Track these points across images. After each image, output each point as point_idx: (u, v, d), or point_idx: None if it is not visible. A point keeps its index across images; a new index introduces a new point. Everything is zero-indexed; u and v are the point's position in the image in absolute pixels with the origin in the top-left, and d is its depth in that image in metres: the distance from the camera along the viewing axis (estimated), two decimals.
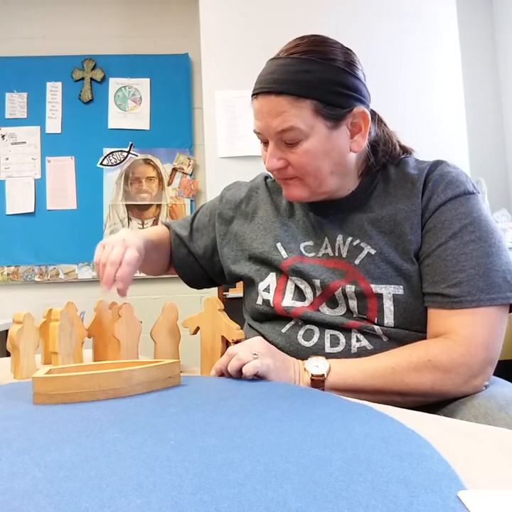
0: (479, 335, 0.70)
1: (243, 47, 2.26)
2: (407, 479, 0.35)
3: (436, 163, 0.82)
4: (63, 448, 0.41)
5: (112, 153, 2.64)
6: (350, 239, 0.82)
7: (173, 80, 2.70)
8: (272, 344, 0.82)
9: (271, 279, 0.86)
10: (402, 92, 2.26)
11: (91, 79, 2.64)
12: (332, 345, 0.78)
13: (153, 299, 2.51)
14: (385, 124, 0.88)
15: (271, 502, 0.31)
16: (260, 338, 0.73)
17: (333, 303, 0.81)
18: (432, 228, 0.77)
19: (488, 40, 2.76)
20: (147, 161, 2.66)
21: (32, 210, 2.58)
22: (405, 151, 0.88)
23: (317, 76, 0.75)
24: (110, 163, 2.64)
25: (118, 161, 2.64)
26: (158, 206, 2.66)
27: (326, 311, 0.80)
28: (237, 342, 0.76)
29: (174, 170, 2.67)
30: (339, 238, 0.83)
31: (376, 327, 0.76)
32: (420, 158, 0.89)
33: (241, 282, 0.98)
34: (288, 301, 0.83)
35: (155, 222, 2.64)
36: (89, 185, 2.62)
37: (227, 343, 0.78)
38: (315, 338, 0.79)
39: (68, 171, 2.62)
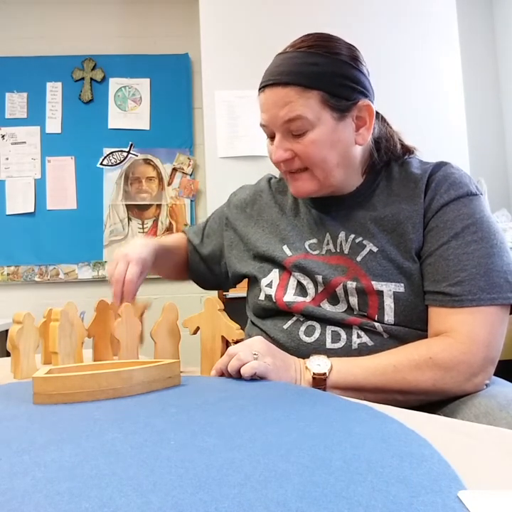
0: (480, 333, 0.70)
1: (243, 47, 2.26)
2: (407, 479, 0.35)
3: (440, 164, 0.83)
4: (63, 448, 0.41)
5: (111, 153, 2.64)
6: (352, 236, 0.82)
7: (173, 80, 2.70)
8: (274, 340, 0.83)
9: (274, 275, 0.87)
10: (402, 92, 2.26)
11: (91, 79, 2.64)
12: (333, 341, 0.78)
13: (153, 299, 2.51)
14: (387, 123, 0.89)
15: (271, 502, 0.31)
16: (260, 337, 0.73)
17: (334, 299, 0.81)
18: (434, 228, 0.77)
19: (488, 41, 2.76)
20: (147, 161, 2.66)
21: (32, 210, 2.58)
22: (408, 150, 0.88)
23: (324, 68, 0.76)
24: (110, 163, 2.64)
25: (118, 161, 2.64)
26: (158, 206, 2.66)
27: (327, 307, 0.81)
28: (237, 342, 0.76)
29: (174, 170, 2.67)
30: (341, 235, 0.83)
31: (376, 324, 0.77)
32: (420, 158, 0.89)
33: (241, 282, 0.99)
34: (290, 296, 0.83)
35: (155, 222, 2.64)
36: (89, 185, 2.62)
37: (227, 343, 0.78)
38: (316, 334, 0.80)
39: (68, 171, 2.62)
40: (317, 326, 0.80)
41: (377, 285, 0.77)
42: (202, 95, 2.32)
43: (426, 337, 0.76)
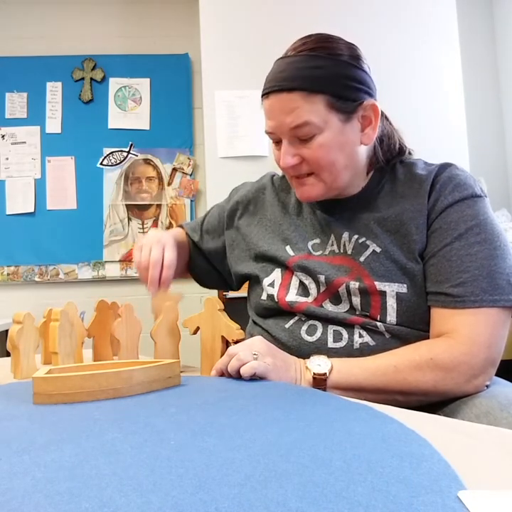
0: (481, 334, 0.70)
1: (243, 47, 2.26)
2: (407, 479, 0.35)
3: (445, 166, 0.82)
4: (63, 448, 0.41)
5: (111, 153, 2.64)
6: (356, 237, 0.82)
7: (173, 80, 2.70)
8: (275, 339, 0.83)
9: (276, 274, 0.87)
10: (402, 92, 2.26)
11: (91, 79, 2.64)
12: (335, 341, 0.78)
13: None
14: (389, 121, 0.89)
15: (271, 502, 0.31)
16: (260, 337, 0.73)
17: (336, 299, 0.81)
18: (437, 229, 0.77)
19: (488, 41, 2.76)
20: (147, 161, 2.66)
21: (32, 210, 2.58)
22: (402, 151, 0.88)
23: (327, 71, 0.76)
24: (110, 163, 2.64)
25: (118, 161, 2.64)
26: (158, 206, 2.66)
27: (329, 307, 0.81)
28: (237, 342, 0.76)
29: (174, 170, 2.67)
30: (345, 235, 0.83)
31: (379, 324, 0.77)
32: (420, 158, 0.89)
33: (245, 284, 0.99)
34: (292, 296, 0.83)
35: (155, 222, 2.64)
36: (89, 185, 2.62)
37: (227, 343, 0.78)
38: (318, 333, 0.80)
39: (68, 171, 2.62)
40: (319, 325, 0.80)
41: (380, 285, 0.77)
42: (202, 95, 2.32)
43: (428, 337, 0.76)
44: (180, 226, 1.10)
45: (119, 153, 2.64)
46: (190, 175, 2.68)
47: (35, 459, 0.39)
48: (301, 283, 0.84)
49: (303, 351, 0.78)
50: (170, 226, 2.64)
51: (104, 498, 0.32)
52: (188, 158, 2.68)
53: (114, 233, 2.61)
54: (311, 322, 0.81)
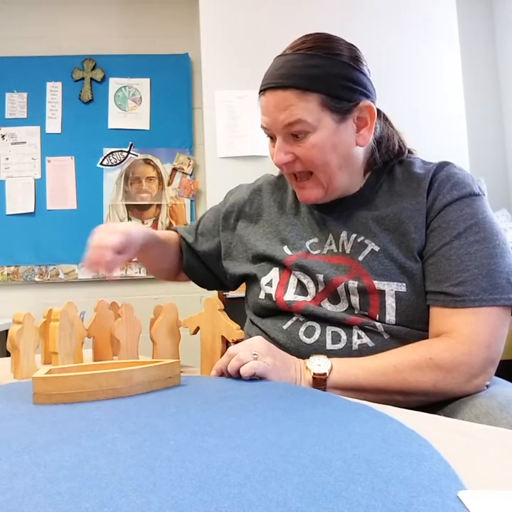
0: (481, 334, 0.70)
1: (243, 47, 2.26)
2: (407, 479, 0.35)
3: (443, 164, 0.82)
4: (63, 448, 0.41)
5: (112, 153, 2.64)
6: (354, 236, 0.82)
7: (173, 80, 2.70)
8: (273, 340, 0.83)
9: (274, 273, 0.87)
10: (402, 93, 2.26)
11: (91, 79, 2.64)
12: (333, 342, 0.78)
13: (153, 299, 2.51)
14: (389, 122, 0.89)
15: (271, 502, 0.31)
16: (260, 337, 0.73)
17: (335, 298, 0.81)
18: (436, 228, 0.77)
19: (488, 41, 2.76)
20: (147, 161, 2.66)
21: (32, 210, 2.58)
22: (400, 152, 0.88)
23: (323, 70, 0.76)
24: (110, 163, 2.64)
25: (118, 161, 2.64)
26: (158, 206, 2.66)
27: (327, 307, 0.81)
28: (237, 342, 0.76)
29: (174, 170, 2.67)
30: (343, 235, 0.83)
31: (377, 324, 0.77)
32: (420, 157, 0.89)
33: (242, 284, 0.99)
34: (290, 295, 0.83)
35: (155, 222, 2.64)
36: (89, 185, 2.62)
37: (227, 343, 0.78)
38: (316, 335, 0.79)
39: (68, 171, 2.61)
40: (317, 326, 0.80)
41: (379, 284, 0.77)
42: (202, 95, 2.32)
43: (427, 337, 0.76)
44: (175, 230, 1.10)
45: (119, 153, 2.64)
46: (190, 175, 2.68)
47: (35, 459, 0.39)
48: (300, 282, 0.84)
49: (301, 353, 0.78)
50: (170, 226, 2.63)
51: (104, 498, 0.32)
52: (188, 158, 2.68)
53: None
54: (309, 323, 0.81)
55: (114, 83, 2.67)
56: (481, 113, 2.69)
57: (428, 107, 2.30)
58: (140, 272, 2.58)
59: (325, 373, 0.69)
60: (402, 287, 0.77)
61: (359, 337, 0.77)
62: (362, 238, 0.81)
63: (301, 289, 0.84)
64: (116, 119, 2.66)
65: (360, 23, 2.28)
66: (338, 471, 0.36)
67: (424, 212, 0.79)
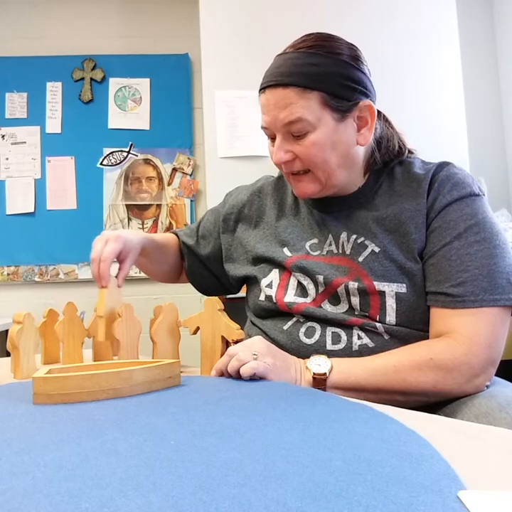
0: (482, 335, 0.70)
1: (243, 47, 2.26)
2: (407, 479, 0.35)
3: (443, 165, 0.82)
4: (63, 448, 0.41)
5: (112, 153, 2.64)
6: (354, 236, 0.82)
7: (173, 80, 2.69)
8: (274, 341, 0.83)
9: (274, 275, 0.87)
10: (402, 92, 2.26)
11: (91, 79, 2.64)
12: (333, 343, 0.78)
13: (153, 299, 2.51)
14: (390, 123, 0.89)
15: (271, 502, 0.31)
16: (260, 337, 0.73)
17: (335, 299, 0.81)
18: (436, 228, 0.77)
19: (488, 41, 2.76)
20: (147, 161, 2.66)
21: (32, 210, 2.58)
22: (400, 153, 0.88)
23: (324, 69, 0.76)
24: (110, 163, 2.64)
25: (118, 161, 2.64)
26: (158, 206, 2.66)
27: (327, 308, 0.81)
28: (237, 342, 0.76)
29: (174, 170, 2.67)
30: (343, 235, 0.83)
31: (378, 324, 0.77)
32: (420, 157, 0.89)
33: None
34: (290, 296, 0.83)
35: (155, 222, 2.64)
36: (89, 185, 2.62)
37: (227, 343, 0.78)
38: (316, 336, 0.79)
39: (68, 171, 2.61)
40: (317, 327, 0.80)
41: (379, 285, 0.77)
42: (202, 95, 2.32)
43: (427, 337, 0.76)
44: (174, 233, 1.09)
45: (119, 153, 2.64)
46: (190, 175, 2.68)
47: (35, 459, 0.39)
48: (300, 283, 0.84)
49: (301, 354, 0.78)
50: (170, 226, 2.64)
51: (104, 498, 0.32)
52: (188, 158, 2.68)
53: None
54: (309, 324, 0.81)
55: (114, 83, 2.67)
56: (481, 113, 2.69)
57: (428, 107, 2.30)
58: (140, 272, 2.58)
59: (325, 373, 0.69)
60: (402, 288, 0.77)
61: (359, 338, 0.77)
62: (362, 239, 0.81)
63: (301, 290, 0.83)
64: (116, 119, 2.66)
65: (360, 23, 2.28)
66: (338, 471, 0.36)
67: (425, 212, 0.78)
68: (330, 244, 0.84)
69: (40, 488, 0.33)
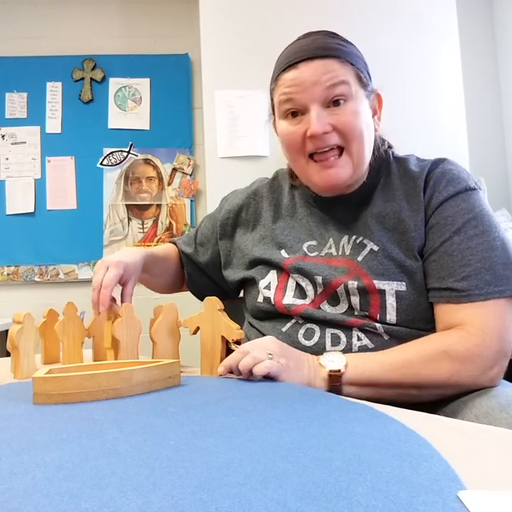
0: (492, 326, 0.70)
1: (243, 47, 2.26)
2: (407, 479, 0.35)
3: (438, 161, 0.83)
4: (63, 448, 0.41)
5: (112, 153, 2.64)
6: (354, 237, 0.82)
7: (173, 80, 2.69)
8: None
9: (272, 276, 0.86)
10: (402, 92, 2.26)
11: (91, 79, 2.64)
12: (333, 345, 0.78)
13: (153, 299, 2.51)
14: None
15: (271, 502, 0.31)
16: (272, 337, 0.72)
17: (334, 300, 0.80)
18: (435, 225, 0.77)
19: (488, 41, 2.76)
20: (147, 161, 2.66)
21: (32, 210, 2.58)
22: (389, 145, 0.89)
23: (352, 50, 0.79)
24: (110, 163, 2.64)
25: (118, 161, 2.64)
26: (158, 206, 2.66)
27: (327, 309, 0.80)
28: (237, 342, 0.76)
29: (174, 170, 2.67)
30: (344, 238, 0.83)
31: (377, 325, 0.76)
32: (421, 157, 0.89)
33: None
34: (289, 298, 0.83)
35: (155, 222, 2.64)
36: (89, 185, 2.62)
37: (227, 343, 0.78)
38: (316, 338, 0.79)
39: (68, 171, 2.61)
40: (316, 328, 0.80)
41: (379, 284, 0.77)
42: (202, 95, 2.32)
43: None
44: (173, 242, 1.09)
45: (119, 153, 2.64)
46: (190, 175, 2.68)
47: (35, 459, 0.39)
48: (298, 285, 0.83)
49: None
50: (170, 226, 2.64)
51: (104, 498, 0.32)
52: (188, 158, 2.68)
53: (114, 233, 2.60)
54: (308, 325, 0.81)
55: (114, 83, 2.67)
56: (481, 113, 2.69)
57: (428, 107, 2.30)
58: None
59: (340, 370, 0.68)
60: (402, 286, 0.76)
61: (359, 339, 0.77)
62: (361, 238, 0.81)
63: (300, 291, 0.83)
64: (116, 119, 2.66)
65: (360, 22, 2.28)
66: (338, 471, 0.36)
67: (423, 210, 0.79)
68: (329, 248, 0.84)
69: (40, 488, 0.33)
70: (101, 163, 2.63)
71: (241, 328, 0.79)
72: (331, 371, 0.68)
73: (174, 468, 0.36)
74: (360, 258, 0.80)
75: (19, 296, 2.57)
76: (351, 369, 0.69)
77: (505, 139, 2.73)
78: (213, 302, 0.79)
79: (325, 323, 0.79)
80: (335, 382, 0.68)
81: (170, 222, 2.65)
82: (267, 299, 0.85)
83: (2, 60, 2.62)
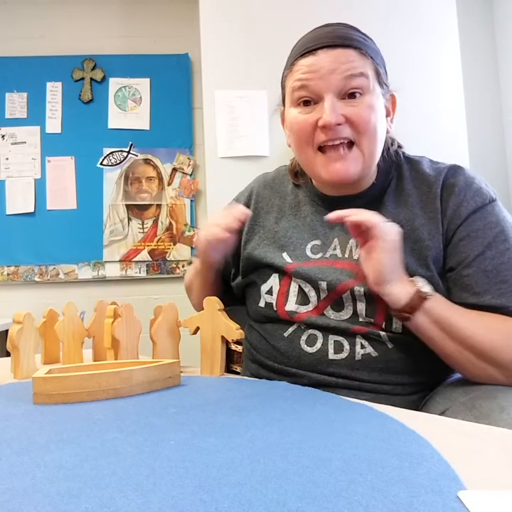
0: None
1: (243, 47, 2.26)
2: (407, 479, 0.35)
3: (455, 168, 0.80)
4: (63, 448, 0.41)
5: (112, 153, 2.64)
6: None
7: (173, 80, 2.69)
8: (274, 348, 0.81)
9: (273, 280, 0.84)
10: (401, 92, 2.26)
11: (91, 79, 2.64)
12: (336, 352, 0.76)
13: (153, 299, 2.51)
14: None
15: (271, 502, 0.31)
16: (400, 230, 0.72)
17: (338, 306, 0.78)
18: (465, 237, 0.75)
19: (488, 41, 2.76)
20: (147, 161, 2.66)
21: (32, 210, 2.58)
22: (399, 146, 0.88)
23: (371, 45, 0.77)
24: (110, 163, 2.64)
25: (118, 161, 2.64)
26: (158, 206, 2.66)
27: (330, 315, 0.78)
28: (237, 342, 0.75)
29: (174, 170, 2.67)
30: (352, 241, 0.80)
31: (382, 333, 0.75)
32: (427, 157, 0.88)
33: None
34: (291, 304, 0.81)
35: (155, 222, 2.64)
36: (89, 185, 2.62)
37: (227, 343, 0.78)
38: (318, 344, 0.78)
39: (68, 171, 2.61)
40: (319, 335, 0.78)
41: None
42: (202, 95, 2.32)
43: (429, 347, 0.73)
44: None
45: (119, 153, 2.64)
46: (190, 175, 2.68)
47: (35, 459, 0.39)
48: (301, 290, 0.81)
49: (303, 362, 0.77)
50: (170, 226, 2.63)
51: (104, 498, 0.32)
52: (188, 158, 2.68)
53: (114, 233, 2.60)
54: (310, 331, 0.79)
55: (114, 83, 2.66)
56: (481, 113, 2.69)
57: (428, 107, 2.30)
58: (140, 272, 2.58)
59: (427, 293, 0.68)
60: None
61: (362, 347, 0.75)
62: None
63: (303, 297, 0.80)
64: (116, 119, 2.66)
65: (359, 23, 2.27)
66: (338, 471, 0.36)
67: (440, 218, 0.76)
68: (334, 249, 0.81)
69: (40, 488, 0.33)
70: (101, 163, 2.63)
71: (241, 328, 0.79)
72: (419, 291, 0.68)
73: (174, 468, 0.36)
74: None
75: (19, 296, 2.57)
76: (438, 299, 0.69)
77: (505, 139, 2.73)
78: (213, 302, 0.79)
79: (328, 329, 0.77)
80: (415, 304, 0.68)
81: (170, 222, 2.65)
82: (269, 305, 0.83)
83: (2, 60, 2.62)
